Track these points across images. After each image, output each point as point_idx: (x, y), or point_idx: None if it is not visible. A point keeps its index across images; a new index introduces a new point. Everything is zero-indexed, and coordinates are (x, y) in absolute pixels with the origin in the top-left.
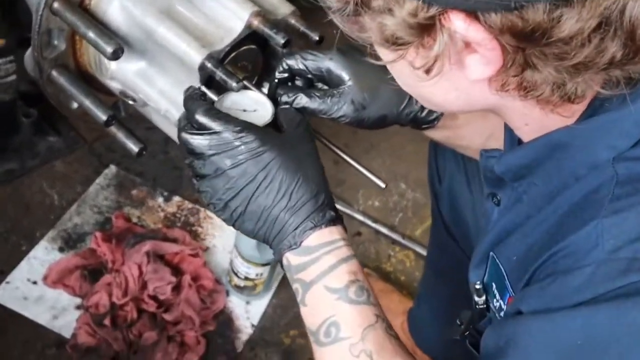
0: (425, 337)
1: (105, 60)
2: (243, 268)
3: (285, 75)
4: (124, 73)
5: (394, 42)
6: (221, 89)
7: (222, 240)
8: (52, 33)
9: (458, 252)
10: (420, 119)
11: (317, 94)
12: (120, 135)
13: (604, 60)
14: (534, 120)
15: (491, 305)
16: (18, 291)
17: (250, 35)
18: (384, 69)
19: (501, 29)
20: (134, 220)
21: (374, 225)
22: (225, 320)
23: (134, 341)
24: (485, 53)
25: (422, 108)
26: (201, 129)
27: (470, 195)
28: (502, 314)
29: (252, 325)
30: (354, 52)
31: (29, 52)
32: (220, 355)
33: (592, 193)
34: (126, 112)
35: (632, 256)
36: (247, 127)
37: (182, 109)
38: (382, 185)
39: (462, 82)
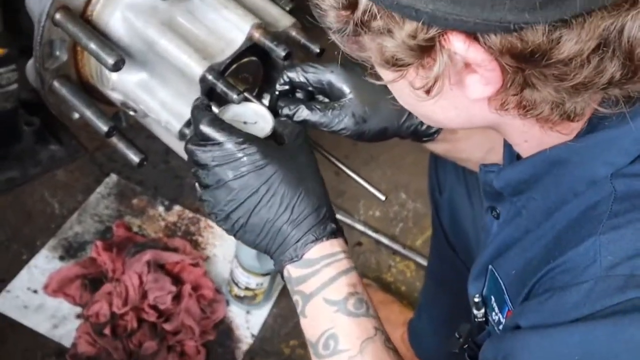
0: (426, 348)
1: (107, 72)
2: (243, 278)
3: (286, 87)
4: (125, 84)
5: (394, 64)
6: (222, 101)
7: (222, 250)
8: (54, 44)
9: (458, 262)
10: (421, 132)
11: (318, 107)
12: (121, 146)
13: (603, 80)
14: (533, 138)
15: (490, 318)
16: (18, 300)
17: (251, 48)
18: (384, 85)
19: (501, 50)
20: (135, 229)
21: (374, 235)
22: (225, 330)
23: (134, 351)
24: (485, 73)
25: (422, 121)
26: (205, 139)
27: (471, 207)
28: (500, 327)
29: (252, 335)
30: (355, 65)
31: (30, 62)
32: None
33: (590, 209)
34: (127, 122)
35: (629, 273)
36: (249, 139)
37: (183, 120)
38: (382, 197)
39: (462, 101)
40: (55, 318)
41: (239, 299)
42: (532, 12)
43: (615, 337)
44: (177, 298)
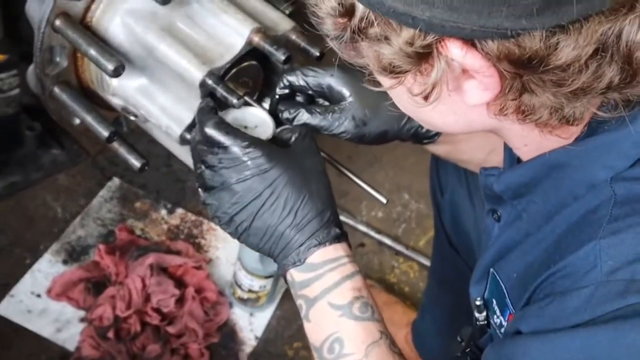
0: (429, 348)
1: (107, 77)
2: (246, 280)
3: (286, 91)
4: (125, 89)
5: (392, 71)
6: (222, 105)
7: (225, 252)
8: (54, 50)
9: (460, 263)
10: (421, 135)
11: (318, 110)
12: (122, 151)
13: (602, 85)
14: (532, 142)
15: (492, 321)
16: (22, 304)
17: (251, 52)
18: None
19: (498, 57)
20: (138, 232)
21: (377, 236)
22: (228, 332)
23: (138, 354)
24: (482, 79)
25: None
26: (210, 142)
27: (472, 208)
28: (502, 330)
29: (256, 337)
30: (354, 68)
31: (31, 68)
32: None
33: (590, 213)
34: (128, 127)
35: (630, 278)
36: (254, 142)
37: (183, 125)
38: (384, 200)
39: (460, 107)
40: (59, 322)
41: (243, 301)
42: (529, 18)
43: (616, 343)
44: (180, 301)
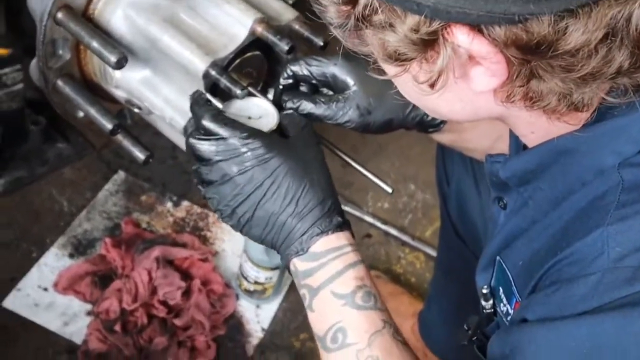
0: (436, 339)
1: (110, 69)
2: (252, 272)
3: (290, 81)
4: (128, 81)
5: (397, 58)
6: (226, 96)
7: (231, 245)
8: (56, 43)
9: (467, 253)
10: (427, 123)
11: (322, 100)
12: (127, 143)
13: (612, 70)
14: (540, 129)
15: (498, 309)
16: (29, 298)
17: (255, 42)
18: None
19: (506, 42)
20: (143, 225)
21: (383, 227)
22: (235, 324)
23: (145, 347)
24: (490, 66)
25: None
26: (208, 135)
27: (478, 197)
28: (508, 318)
29: (263, 329)
30: (358, 57)
31: (34, 61)
32: None
33: (598, 199)
34: (132, 119)
35: (637, 264)
36: (253, 133)
37: (188, 117)
38: (389, 190)
39: (467, 94)
40: (66, 315)
41: (249, 293)
42: (537, 2)
43: (624, 330)
44: (186, 293)
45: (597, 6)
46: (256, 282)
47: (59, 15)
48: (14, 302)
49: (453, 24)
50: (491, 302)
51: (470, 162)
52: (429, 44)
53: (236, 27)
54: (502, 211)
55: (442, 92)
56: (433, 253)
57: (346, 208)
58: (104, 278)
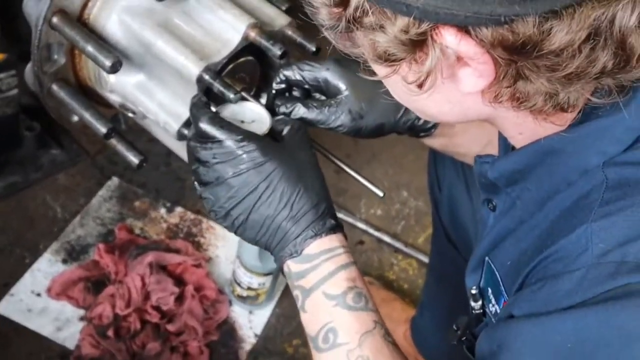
0: (428, 345)
1: (105, 74)
2: (245, 278)
3: (283, 86)
4: (123, 86)
5: (387, 59)
6: (219, 100)
7: (224, 251)
8: (51, 47)
9: (458, 258)
10: (418, 127)
11: (315, 104)
12: (121, 148)
13: (596, 70)
14: (527, 129)
15: (487, 310)
16: (22, 303)
17: (248, 47)
18: (379, 80)
19: (492, 43)
20: (137, 231)
21: (376, 233)
22: (228, 330)
23: (138, 352)
24: (477, 66)
25: (419, 117)
26: (204, 137)
27: (470, 202)
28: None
29: (255, 335)
30: (350, 62)
31: (29, 66)
32: None
33: (583, 198)
34: (126, 124)
35: (620, 260)
36: (248, 136)
37: (181, 121)
38: (380, 193)
39: (455, 95)
40: (59, 321)
41: (242, 299)
42: (522, 4)
43: (607, 324)
44: (179, 299)
45: (580, 7)
46: (249, 288)
47: (54, 19)
48: (7, 307)
49: (441, 25)
50: (480, 302)
51: (461, 167)
52: (418, 44)
53: (230, 32)
54: (491, 213)
55: (430, 93)
56: (426, 260)
57: (339, 215)
58: (97, 284)
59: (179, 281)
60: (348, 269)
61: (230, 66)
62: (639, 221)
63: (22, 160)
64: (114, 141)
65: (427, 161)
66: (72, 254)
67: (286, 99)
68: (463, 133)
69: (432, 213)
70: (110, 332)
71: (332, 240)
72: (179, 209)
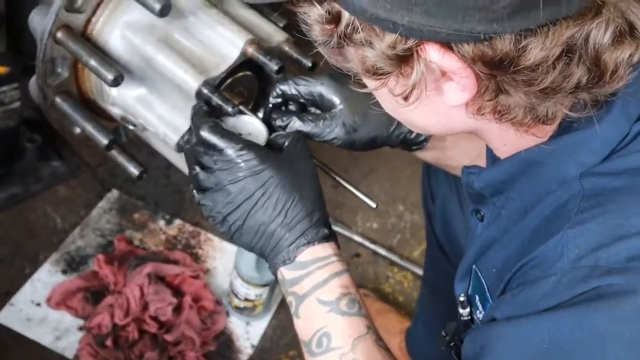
0: (422, 355)
1: (107, 87)
2: (243, 289)
3: (279, 100)
4: (124, 99)
5: (375, 72)
6: (218, 114)
7: (222, 262)
8: (55, 61)
9: (451, 270)
10: (410, 140)
11: (310, 118)
12: (121, 159)
13: (570, 84)
14: (510, 141)
15: (475, 316)
16: (22, 313)
17: (246, 62)
18: (371, 93)
19: (473, 58)
20: (136, 243)
21: (372, 246)
22: (225, 340)
23: None
24: (460, 80)
25: (411, 130)
26: (205, 145)
27: (462, 215)
28: None
29: (252, 346)
30: (344, 77)
31: (33, 79)
32: None
33: (561, 207)
34: (127, 137)
35: (593, 264)
36: (247, 145)
37: (180, 133)
38: (373, 205)
39: (441, 107)
40: (58, 330)
41: (239, 310)
42: (500, 22)
43: (580, 325)
44: (177, 310)
45: (554, 26)
46: (246, 299)
47: (59, 34)
48: (7, 316)
49: (425, 41)
50: (468, 309)
51: (454, 180)
52: (404, 59)
53: (228, 47)
54: (479, 223)
55: (417, 105)
56: (421, 272)
57: (336, 228)
58: (96, 294)
59: (177, 292)
60: (341, 276)
61: (229, 80)
62: (611, 227)
63: (23, 172)
64: (114, 153)
65: (421, 174)
66: (72, 264)
67: (282, 113)
68: (454, 146)
69: (425, 225)
70: (108, 342)
71: (325, 249)
72: (177, 221)
